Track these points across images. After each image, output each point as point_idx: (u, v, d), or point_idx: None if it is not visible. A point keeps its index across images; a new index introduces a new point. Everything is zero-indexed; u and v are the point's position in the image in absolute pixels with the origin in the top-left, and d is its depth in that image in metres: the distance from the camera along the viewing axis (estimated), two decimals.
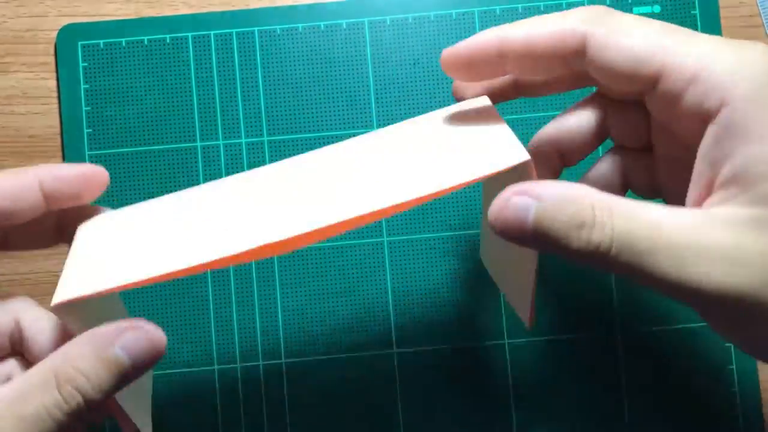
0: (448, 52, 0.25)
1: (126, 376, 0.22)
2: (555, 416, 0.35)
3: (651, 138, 0.26)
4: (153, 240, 0.24)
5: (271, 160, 0.36)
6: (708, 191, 0.21)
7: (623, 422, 0.35)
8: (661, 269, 0.20)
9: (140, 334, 0.22)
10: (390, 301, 0.35)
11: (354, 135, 0.36)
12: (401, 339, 0.35)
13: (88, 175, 0.26)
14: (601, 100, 0.27)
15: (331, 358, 0.35)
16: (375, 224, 0.35)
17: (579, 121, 0.27)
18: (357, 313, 0.35)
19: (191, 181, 0.36)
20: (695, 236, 0.20)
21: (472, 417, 0.35)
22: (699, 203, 0.22)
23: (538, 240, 0.21)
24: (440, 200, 0.35)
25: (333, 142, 0.35)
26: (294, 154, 0.35)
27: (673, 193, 0.26)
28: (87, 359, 0.22)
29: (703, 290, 0.20)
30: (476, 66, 0.25)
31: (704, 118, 0.21)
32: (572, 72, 0.25)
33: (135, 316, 0.24)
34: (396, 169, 0.24)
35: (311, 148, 0.36)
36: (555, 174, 0.27)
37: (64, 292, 0.22)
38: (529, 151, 0.23)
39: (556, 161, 0.27)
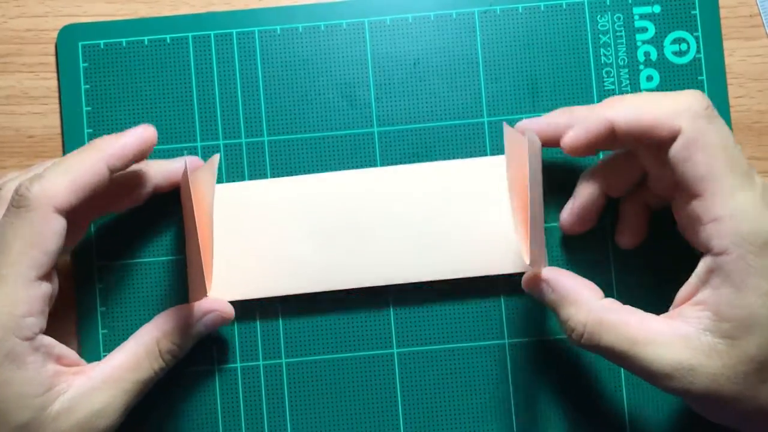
0: (570, 141, 0.31)
1: (200, 338, 0.33)
2: (555, 416, 0.35)
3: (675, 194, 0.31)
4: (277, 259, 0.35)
5: (271, 160, 0.36)
6: (689, 298, 0.28)
7: (623, 422, 0.35)
8: (640, 373, 0.28)
9: (218, 315, 0.32)
10: (390, 296, 0.35)
11: (354, 135, 0.36)
12: (401, 339, 0.35)
13: (140, 139, 0.31)
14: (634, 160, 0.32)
15: (331, 358, 0.35)
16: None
17: (623, 166, 0.33)
18: (357, 313, 0.35)
19: None
20: (670, 356, 0.26)
21: (472, 417, 0.35)
22: (681, 302, 0.28)
23: (552, 310, 0.31)
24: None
25: (333, 142, 0.36)
26: (294, 154, 0.36)
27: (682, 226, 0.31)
28: (179, 334, 0.31)
29: (672, 393, 0.27)
30: (593, 147, 0.31)
31: (709, 248, 0.27)
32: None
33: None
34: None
35: (311, 148, 0.36)
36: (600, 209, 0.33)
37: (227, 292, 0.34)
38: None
39: (599, 198, 0.33)
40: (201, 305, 0.32)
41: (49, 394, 0.28)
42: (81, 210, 0.29)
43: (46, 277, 0.28)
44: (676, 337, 0.27)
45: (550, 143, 0.32)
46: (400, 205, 0.34)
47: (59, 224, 0.28)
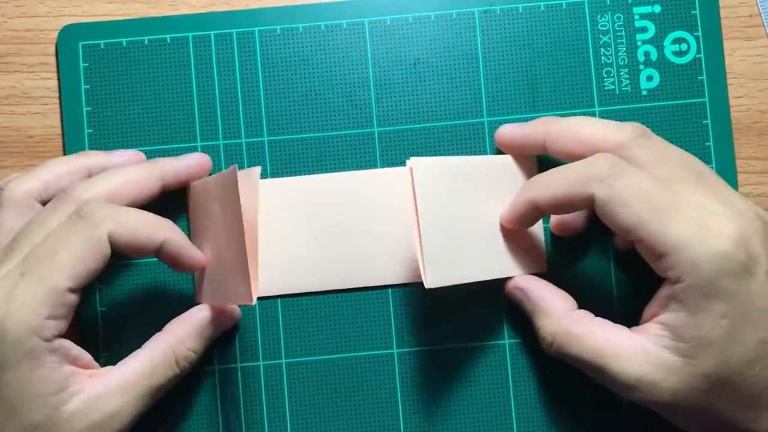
0: (503, 133, 0.35)
1: (213, 338, 0.33)
2: (555, 416, 0.35)
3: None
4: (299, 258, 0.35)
5: (271, 160, 0.36)
6: (654, 316, 0.29)
7: (624, 422, 0.35)
8: (607, 384, 0.29)
9: (227, 316, 0.34)
10: (390, 296, 0.35)
11: (354, 135, 0.36)
12: (401, 339, 0.35)
13: (198, 167, 0.35)
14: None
15: (331, 358, 0.35)
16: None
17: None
18: (357, 313, 0.35)
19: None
20: (634, 369, 0.28)
21: (472, 417, 0.35)
22: (648, 318, 0.30)
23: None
24: None
25: (333, 142, 0.36)
26: (294, 154, 0.36)
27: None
28: (194, 340, 0.32)
29: (639, 403, 0.29)
30: (525, 150, 0.34)
31: (665, 278, 0.28)
32: None
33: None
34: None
35: (311, 148, 0.36)
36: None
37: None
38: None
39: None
40: (212, 308, 0.33)
41: (63, 394, 0.28)
42: None
43: (78, 290, 0.29)
44: (639, 352, 0.28)
45: (529, 151, 0.34)
46: (400, 204, 0.35)
47: (107, 250, 0.29)
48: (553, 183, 0.30)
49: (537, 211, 0.31)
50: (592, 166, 0.29)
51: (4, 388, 0.28)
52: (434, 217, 0.31)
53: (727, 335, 0.27)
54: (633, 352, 0.28)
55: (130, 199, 0.32)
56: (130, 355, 0.31)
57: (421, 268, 0.31)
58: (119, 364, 0.31)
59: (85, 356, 0.30)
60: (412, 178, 0.31)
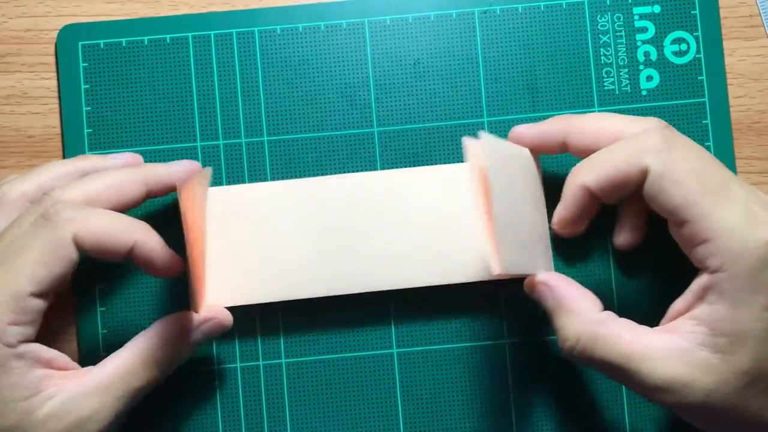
0: (516, 133, 0.33)
1: (200, 344, 0.32)
2: (555, 416, 0.35)
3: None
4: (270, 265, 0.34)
5: (271, 160, 0.36)
6: (684, 312, 0.28)
7: (624, 422, 0.35)
8: (627, 384, 0.29)
9: (216, 323, 0.32)
10: (391, 302, 0.35)
11: (354, 135, 0.36)
12: (401, 339, 0.35)
13: (187, 173, 0.33)
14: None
15: (331, 358, 0.35)
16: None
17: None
18: (357, 313, 0.35)
19: None
20: (665, 371, 0.27)
21: (472, 417, 0.35)
22: (676, 315, 0.29)
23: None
24: None
25: (333, 142, 0.36)
26: (294, 154, 0.35)
27: None
28: (176, 343, 0.31)
29: (667, 407, 0.28)
30: (541, 149, 0.33)
31: (704, 267, 0.27)
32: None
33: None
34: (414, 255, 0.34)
35: (311, 148, 0.36)
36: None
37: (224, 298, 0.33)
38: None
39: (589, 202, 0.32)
40: (202, 314, 0.32)
41: (36, 399, 0.27)
42: None
43: (43, 295, 0.28)
44: (672, 352, 0.27)
45: (545, 151, 0.33)
46: (399, 208, 0.34)
47: (72, 253, 0.28)
48: (603, 162, 0.29)
49: (590, 198, 0.30)
50: (645, 139, 0.29)
51: None
52: (504, 198, 0.30)
53: None
54: (663, 353, 0.27)
55: (111, 204, 0.30)
56: (111, 355, 0.30)
57: (492, 251, 0.30)
58: (99, 364, 0.30)
59: (61, 358, 0.29)
60: (481, 154, 0.29)
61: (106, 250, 0.29)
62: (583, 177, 0.30)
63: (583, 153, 0.31)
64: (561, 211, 0.32)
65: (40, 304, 0.28)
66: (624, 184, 0.29)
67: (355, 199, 0.34)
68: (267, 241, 0.34)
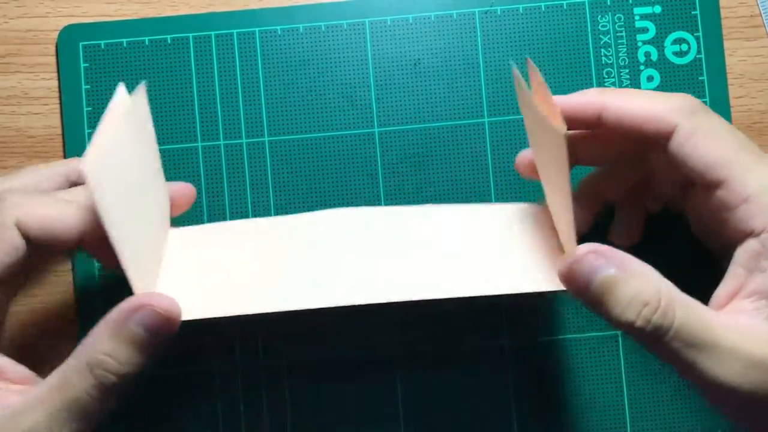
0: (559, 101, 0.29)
1: (149, 346, 0.25)
2: (555, 416, 0.35)
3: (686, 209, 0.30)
4: (242, 279, 0.29)
5: (272, 161, 0.36)
6: (736, 292, 0.25)
7: (624, 422, 0.35)
8: (704, 366, 0.23)
9: (151, 311, 0.25)
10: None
11: (354, 135, 0.36)
12: (401, 340, 0.35)
13: (179, 193, 0.31)
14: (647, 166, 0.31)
15: (331, 359, 0.35)
16: None
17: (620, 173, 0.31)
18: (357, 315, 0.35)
19: (192, 181, 0.35)
20: (741, 344, 0.23)
21: (473, 417, 0.35)
22: (727, 300, 0.25)
23: (593, 301, 0.24)
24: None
25: (333, 142, 0.36)
26: (294, 154, 0.36)
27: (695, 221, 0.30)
28: (108, 341, 0.25)
29: (738, 392, 0.23)
30: (575, 120, 0.29)
31: (748, 232, 0.25)
32: (645, 153, 0.29)
33: None
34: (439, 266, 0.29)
35: (311, 148, 0.36)
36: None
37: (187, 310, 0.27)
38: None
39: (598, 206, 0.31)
40: (128, 302, 0.26)
41: None
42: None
43: None
44: (744, 328, 0.24)
45: (578, 124, 0.29)
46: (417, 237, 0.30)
47: (19, 241, 0.26)
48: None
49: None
50: (682, 99, 0.27)
51: None
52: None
53: None
54: (736, 327, 0.24)
55: (46, 222, 0.27)
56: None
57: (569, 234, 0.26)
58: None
59: (17, 370, 0.26)
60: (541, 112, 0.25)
61: (54, 237, 0.27)
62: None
63: (618, 124, 0.28)
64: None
65: None
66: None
67: (355, 234, 0.30)
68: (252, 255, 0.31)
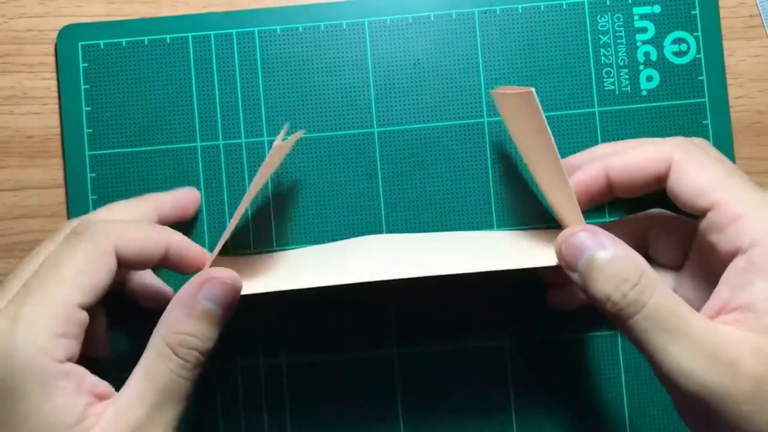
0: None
1: (221, 318, 0.27)
2: (555, 416, 0.35)
3: (684, 261, 0.32)
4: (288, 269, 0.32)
5: None
6: (722, 308, 0.26)
7: (624, 423, 0.35)
8: (668, 353, 0.24)
9: (218, 282, 0.27)
10: (391, 301, 0.35)
11: (354, 135, 0.36)
12: (401, 339, 0.35)
13: (188, 198, 0.34)
14: (648, 221, 0.33)
15: (331, 358, 0.35)
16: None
17: (623, 233, 0.30)
18: (357, 313, 0.35)
19: (191, 181, 0.36)
20: (712, 343, 0.24)
21: (472, 417, 0.35)
22: (716, 314, 0.26)
23: (580, 276, 0.26)
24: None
25: (333, 142, 0.36)
26: (294, 155, 0.36)
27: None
28: (184, 321, 0.27)
29: (695, 386, 0.24)
30: (592, 194, 0.31)
31: (736, 250, 0.26)
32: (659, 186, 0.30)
33: None
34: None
35: (311, 148, 0.36)
36: None
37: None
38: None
39: None
40: (195, 279, 0.28)
41: (80, 427, 0.25)
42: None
43: (88, 309, 0.27)
44: (719, 329, 0.25)
45: (592, 198, 0.32)
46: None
47: (113, 263, 0.27)
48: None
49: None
50: (674, 139, 0.30)
51: (15, 422, 0.24)
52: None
53: None
54: (712, 327, 0.25)
55: (133, 238, 0.29)
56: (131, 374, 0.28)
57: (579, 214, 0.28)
58: (129, 376, 0.27)
59: (102, 384, 0.27)
60: (520, 109, 0.29)
61: (146, 256, 0.28)
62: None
63: (627, 184, 0.30)
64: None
65: (85, 317, 0.26)
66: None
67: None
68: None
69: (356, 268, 0.30)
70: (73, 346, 0.26)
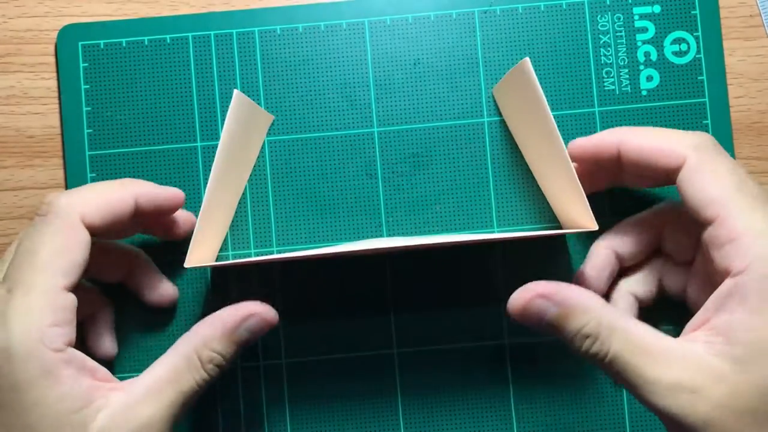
0: (577, 144, 0.32)
1: (246, 345, 0.30)
2: (555, 416, 0.35)
3: (695, 256, 0.31)
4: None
5: (271, 160, 0.36)
6: (701, 325, 0.26)
7: (623, 423, 0.35)
8: (639, 389, 0.26)
9: (260, 318, 0.30)
10: (391, 301, 0.35)
11: (354, 135, 0.36)
12: (401, 339, 0.35)
13: (171, 197, 0.32)
14: (663, 216, 0.32)
15: (331, 358, 0.35)
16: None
17: (639, 231, 0.32)
18: (357, 313, 0.35)
19: (191, 181, 0.36)
20: (672, 375, 0.25)
21: (472, 417, 0.35)
22: (696, 328, 0.27)
23: (551, 333, 0.28)
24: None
25: (333, 143, 0.36)
26: (294, 154, 0.36)
27: (694, 303, 0.31)
28: (220, 341, 0.29)
29: (667, 414, 0.25)
30: (597, 156, 0.31)
31: (727, 272, 0.26)
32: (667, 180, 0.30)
33: None
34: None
35: (311, 148, 0.36)
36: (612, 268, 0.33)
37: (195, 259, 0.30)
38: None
39: (614, 262, 0.32)
40: (239, 309, 0.30)
41: (88, 410, 0.26)
42: (102, 235, 0.29)
43: (72, 288, 0.27)
44: (685, 355, 0.25)
45: (599, 162, 0.32)
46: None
47: (85, 236, 0.27)
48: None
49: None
50: (697, 136, 0.29)
51: (23, 413, 0.25)
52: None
53: None
54: (679, 353, 0.25)
55: (103, 206, 0.29)
56: (155, 362, 0.29)
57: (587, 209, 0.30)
58: (144, 372, 0.28)
59: (101, 369, 0.28)
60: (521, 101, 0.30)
61: (115, 215, 0.28)
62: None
63: (636, 168, 0.30)
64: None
65: (72, 299, 0.27)
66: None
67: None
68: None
69: (346, 248, 0.30)
70: (68, 332, 0.26)
